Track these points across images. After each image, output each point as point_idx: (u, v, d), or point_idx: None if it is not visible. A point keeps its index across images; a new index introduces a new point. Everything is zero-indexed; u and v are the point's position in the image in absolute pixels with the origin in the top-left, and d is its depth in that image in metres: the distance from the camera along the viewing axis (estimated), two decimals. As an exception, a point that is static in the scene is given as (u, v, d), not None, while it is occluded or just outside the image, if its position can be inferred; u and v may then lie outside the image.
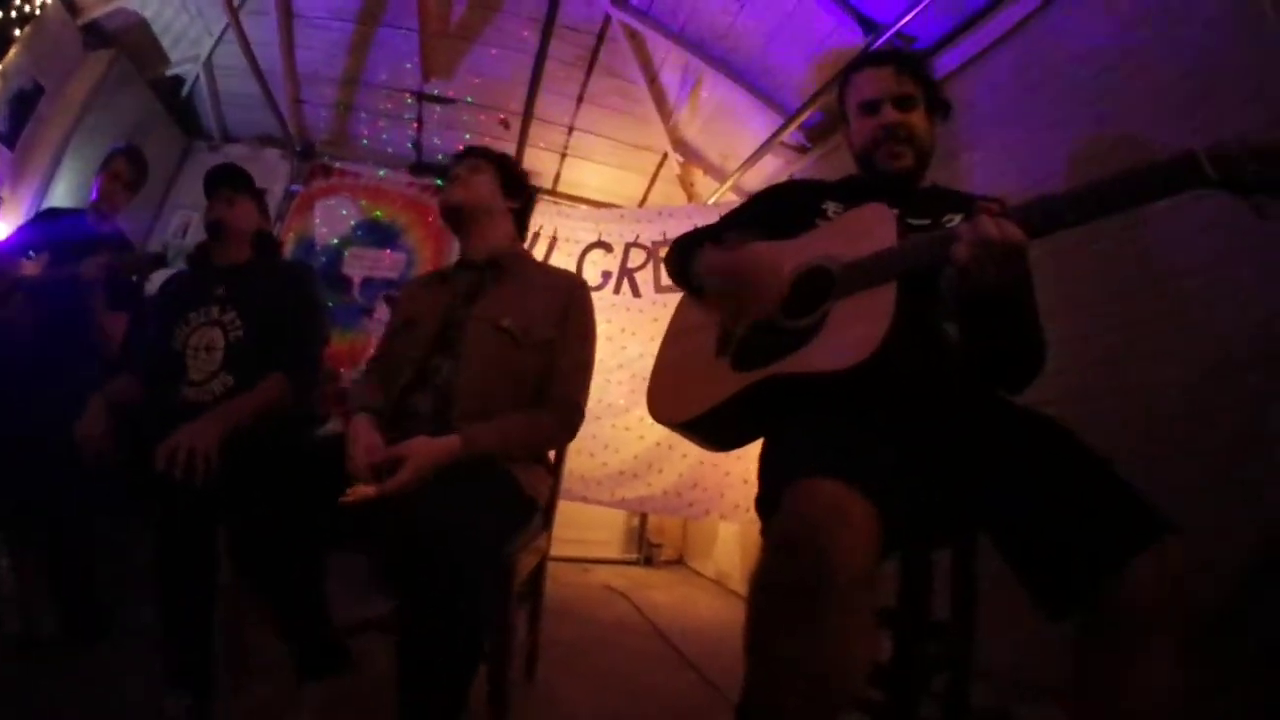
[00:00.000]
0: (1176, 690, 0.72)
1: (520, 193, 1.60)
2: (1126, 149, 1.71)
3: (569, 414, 1.40)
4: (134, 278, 2.07)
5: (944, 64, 2.46)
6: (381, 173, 4.44)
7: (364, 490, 1.10)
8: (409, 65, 3.79)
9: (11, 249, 2.14)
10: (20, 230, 2.33)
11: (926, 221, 1.16)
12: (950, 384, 1.06)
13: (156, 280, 1.96)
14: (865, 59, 1.31)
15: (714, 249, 1.23)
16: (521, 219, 1.63)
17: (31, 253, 2.07)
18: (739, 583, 3.29)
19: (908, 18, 2.44)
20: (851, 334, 0.99)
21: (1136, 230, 1.62)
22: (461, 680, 1.02)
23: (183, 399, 1.55)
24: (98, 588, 1.54)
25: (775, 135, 3.30)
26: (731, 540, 3.53)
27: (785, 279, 1.12)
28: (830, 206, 1.24)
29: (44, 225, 2.28)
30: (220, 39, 3.85)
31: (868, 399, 0.96)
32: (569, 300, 1.45)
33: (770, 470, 1.00)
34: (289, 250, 4.04)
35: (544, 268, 1.65)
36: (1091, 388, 1.63)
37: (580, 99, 3.93)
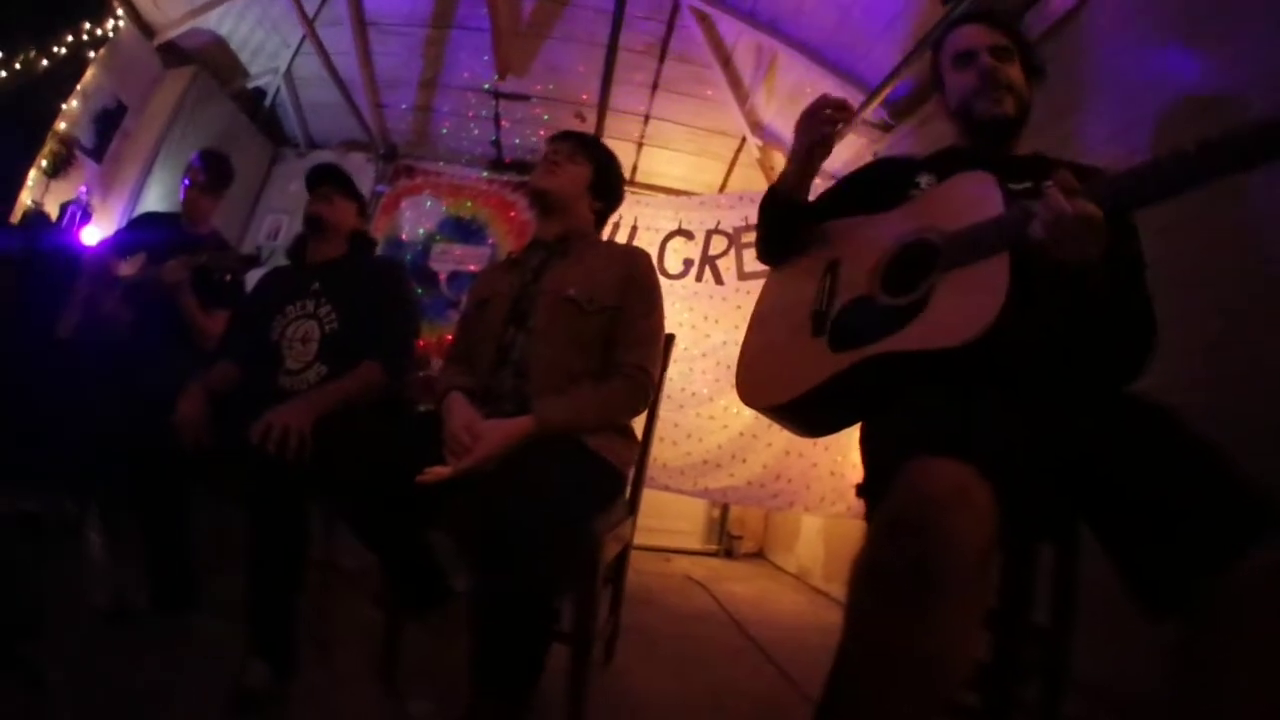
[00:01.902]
0: None
1: (608, 195, 1.59)
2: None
3: (640, 381, 1.38)
4: (228, 277, 2.18)
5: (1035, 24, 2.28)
6: (464, 168, 4.59)
7: (440, 471, 1.13)
8: (484, 64, 3.87)
9: (108, 251, 2.30)
10: (117, 234, 2.50)
11: (1027, 185, 1.09)
12: (1064, 364, 0.99)
13: (254, 279, 2.08)
14: (962, 18, 1.27)
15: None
16: (603, 218, 1.63)
17: (128, 254, 2.21)
18: (820, 579, 3.19)
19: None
20: (962, 309, 0.93)
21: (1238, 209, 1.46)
22: (528, 654, 1.04)
23: (279, 387, 1.63)
24: (189, 562, 1.63)
25: (857, 113, 3.15)
26: (815, 535, 3.43)
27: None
28: (924, 179, 1.19)
29: (139, 229, 2.43)
30: (298, 51, 4.06)
31: (980, 377, 0.90)
32: (630, 269, 1.44)
33: (879, 450, 0.96)
34: (379, 249, 4.26)
35: (610, 244, 1.65)
36: (1198, 374, 1.47)
37: (654, 87, 3.90)
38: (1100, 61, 2.02)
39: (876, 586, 0.74)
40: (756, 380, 1.24)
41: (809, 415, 1.17)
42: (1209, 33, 1.66)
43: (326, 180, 1.85)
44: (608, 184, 1.58)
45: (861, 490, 0.92)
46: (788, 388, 1.12)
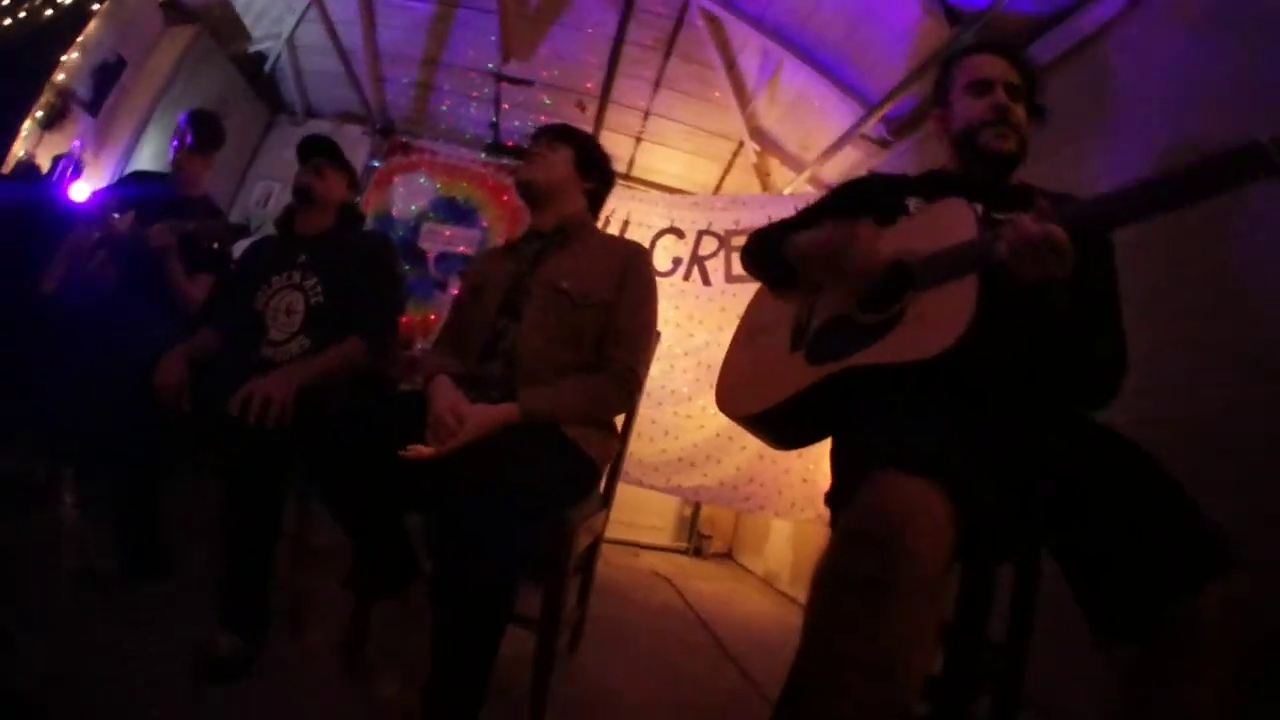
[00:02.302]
0: None
1: (596, 173, 1.59)
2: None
3: (626, 379, 1.40)
4: (215, 245, 2.15)
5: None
6: (461, 149, 4.55)
7: (422, 450, 1.14)
8: (489, 45, 3.85)
9: (97, 207, 2.25)
10: (107, 189, 2.45)
11: (1013, 215, 1.11)
12: (1029, 388, 1.02)
13: (240, 247, 2.05)
14: (982, 45, 1.28)
15: (809, 231, 1.20)
16: (596, 199, 1.63)
17: (116, 213, 2.17)
18: (787, 583, 3.24)
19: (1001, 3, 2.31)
20: (933, 325, 0.97)
21: (1211, 242, 1.51)
22: (488, 638, 1.05)
23: (261, 357, 1.63)
24: (158, 530, 1.62)
25: (857, 126, 3.19)
26: (783, 540, 3.47)
27: (879, 260, 1.10)
28: (913, 202, 1.21)
29: (130, 187, 2.39)
30: (302, 17, 4.00)
31: (948, 395, 0.93)
32: (627, 265, 1.45)
33: (845, 461, 0.98)
34: (367, 224, 4.21)
35: (607, 237, 1.66)
36: (1166, 410, 1.51)
37: (657, 83, 3.90)
38: (1114, 86, 2.05)
39: (835, 594, 0.77)
40: (734, 391, 1.27)
41: (782, 426, 1.19)
42: (1241, 50, 1.65)
43: (317, 151, 1.84)
44: (592, 161, 1.59)
45: (828, 499, 0.95)
46: (763, 399, 1.15)
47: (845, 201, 1.33)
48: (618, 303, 1.41)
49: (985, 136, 1.18)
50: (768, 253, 1.28)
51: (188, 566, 1.64)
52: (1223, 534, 0.77)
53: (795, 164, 3.90)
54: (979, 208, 1.13)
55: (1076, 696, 1.37)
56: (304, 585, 1.57)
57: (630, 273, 1.44)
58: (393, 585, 1.33)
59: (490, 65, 4.01)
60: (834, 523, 0.86)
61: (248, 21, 4.11)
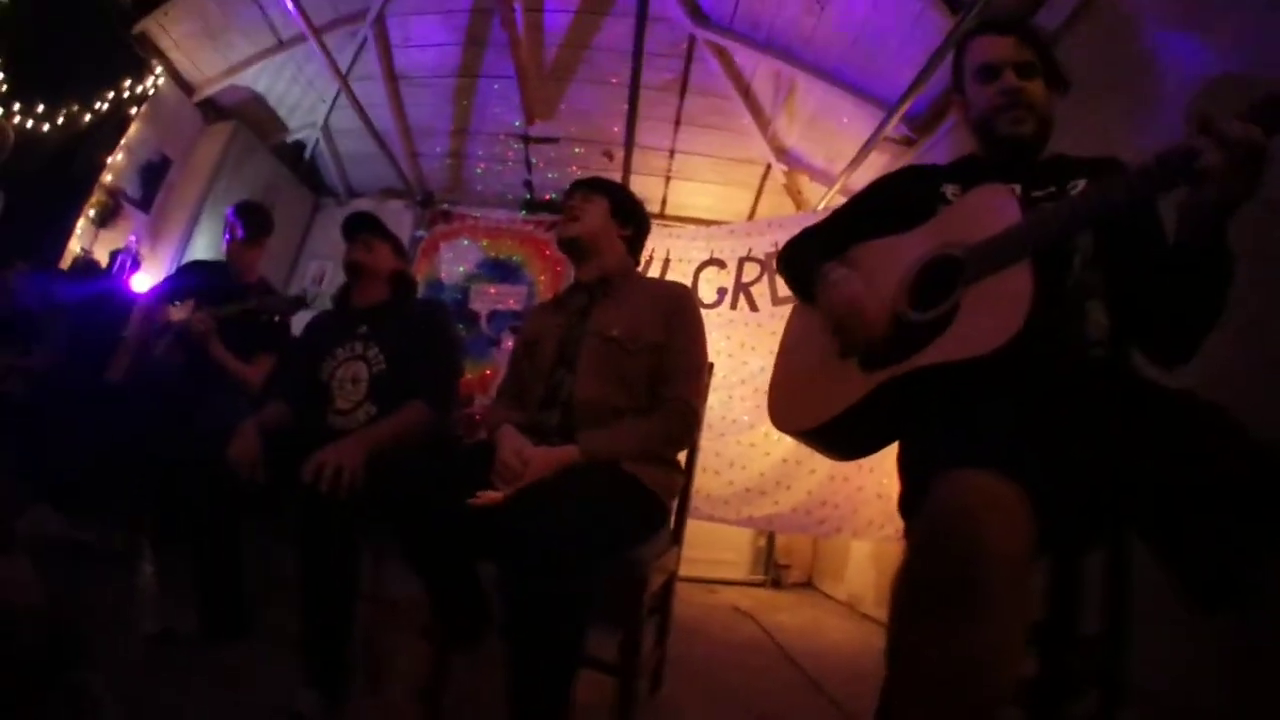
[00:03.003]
0: None
1: (632, 219, 1.63)
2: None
3: (685, 413, 1.42)
4: (276, 318, 2.26)
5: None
6: (499, 210, 4.73)
7: (491, 495, 1.17)
8: (512, 109, 4.02)
9: (158, 297, 2.40)
10: (166, 280, 2.61)
11: (1051, 190, 1.10)
12: (1093, 371, 0.98)
13: (298, 322, 2.16)
14: (985, 25, 1.25)
15: (824, 274, 1.19)
16: (635, 244, 1.67)
17: (177, 301, 2.31)
18: (872, 606, 3.10)
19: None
20: (989, 318, 0.93)
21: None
22: (559, 679, 1.05)
23: (329, 426, 1.70)
24: (241, 592, 1.68)
25: (879, 130, 3.17)
26: (865, 560, 3.34)
27: (887, 302, 1.09)
28: (949, 189, 1.19)
29: (187, 275, 2.55)
30: (334, 105, 4.27)
31: (1011, 387, 0.90)
32: (673, 305, 1.48)
33: (912, 466, 0.96)
34: (420, 291, 4.39)
35: (651, 281, 1.70)
36: (1234, 363, 1.40)
37: (677, 121, 3.99)
38: (1121, 47, 1.99)
39: (916, 600, 0.74)
40: (789, 406, 1.24)
41: (843, 438, 1.16)
42: (1228, 9, 1.62)
43: (360, 228, 1.94)
44: (627, 208, 1.62)
45: (900, 506, 0.92)
46: (820, 411, 1.12)
47: (881, 198, 1.32)
48: (668, 343, 1.44)
49: (1001, 124, 1.15)
50: (799, 272, 1.28)
51: (267, 625, 1.69)
52: None
53: (824, 178, 3.89)
54: (1016, 189, 1.10)
55: (1186, 683, 1.25)
56: (383, 640, 1.59)
57: (677, 313, 1.47)
58: (469, 634, 1.35)
59: (517, 126, 4.18)
60: (908, 531, 0.83)
61: (282, 114, 4.41)
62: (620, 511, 1.23)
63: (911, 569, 0.75)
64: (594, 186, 1.62)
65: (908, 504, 0.90)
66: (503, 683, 1.05)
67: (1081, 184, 1.07)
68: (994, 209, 1.03)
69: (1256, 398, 1.34)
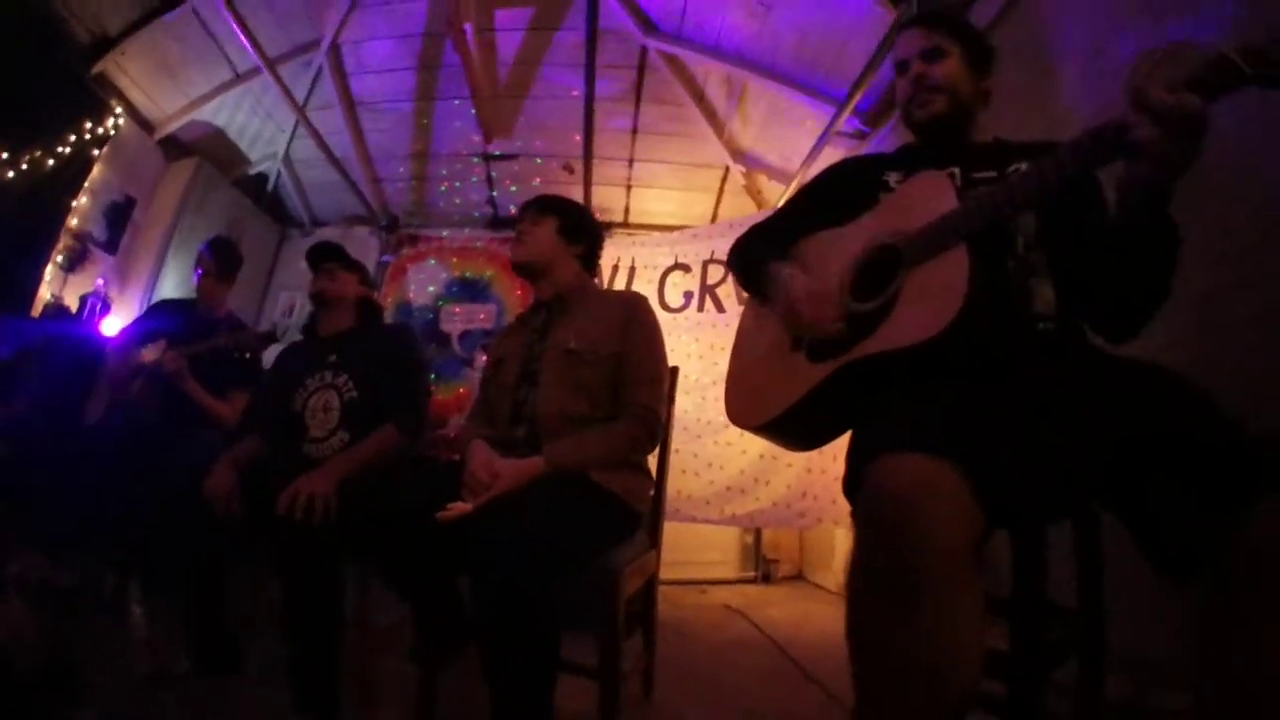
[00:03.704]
0: None
1: (581, 237, 1.65)
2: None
3: (646, 420, 1.44)
4: (248, 355, 2.26)
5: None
6: (464, 231, 4.73)
7: (460, 507, 1.19)
8: (471, 129, 4.03)
9: (129, 339, 2.39)
10: (135, 322, 2.59)
11: (992, 174, 1.12)
12: (1041, 345, 1.00)
13: (270, 356, 2.15)
14: (902, 24, 1.31)
15: (772, 270, 1.21)
16: (589, 260, 1.69)
17: (147, 342, 2.29)
18: (864, 592, 3.12)
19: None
20: (926, 305, 0.95)
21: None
22: (536, 687, 1.07)
23: (305, 455, 1.71)
24: (229, 626, 1.68)
25: (830, 125, 3.24)
26: (850, 549, 3.37)
27: (835, 296, 1.10)
28: (892, 177, 1.22)
29: (156, 315, 2.53)
30: (293, 135, 4.26)
31: (955, 370, 0.92)
32: (628, 314, 1.51)
33: (853, 452, 0.96)
34: (388, 315, 4.38)
35: (607, 293, 1.73)
36: (1188, 327, 1.45)
37: (635, 131, 4.04)
38: (1051, 36, 2.06)
39: (864, 590, 0.75)
40: (743, 402, 1.27)
41: (798, 429, 1.18)
42: None
43: (324, 258, 1.95)
44: (575, 225, 1.64)
45: (844, 490, 0.93)
46: (772, 405, 1.15)
47: (826, 189, 1.34)
48: (625, 351, 1.46)
49: (913, 111, 1.20)
50: (749, 269, 1.30)
51: (256, 658, 1.69)
52: (1270, 441, 0.71)
53: (782, 176, 3.96)
54: (955, 171, 1.13)
55: (1169, 647, 1.29)
56: (370, 665, 1.60)
57: (632, 321, 1.50)
58: (450, 648, 1.36)
59: (476, 148, 4.20)
60: (852, 516, 0.84)
61: (243, 146, 4.39)
62: (588, 518, 1.26)
63: (856, 559, 0.77)
64: (542, 207, 1.63)
65: (849, 487, 0.91)
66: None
67: (1023, 166, 1.08)
68: (930, 196, 1.05)
69: (1219, 367, 1.40)
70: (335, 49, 3.66)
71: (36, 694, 1.23)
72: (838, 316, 1.08)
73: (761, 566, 3.86)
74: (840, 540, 3.48)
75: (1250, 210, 1.41)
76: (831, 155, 3.51)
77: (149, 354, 2.24)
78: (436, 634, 1.38)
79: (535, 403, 1.43)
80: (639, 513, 1.47)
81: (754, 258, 1.28)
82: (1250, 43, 0.74)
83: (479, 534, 1.12)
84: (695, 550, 3.55)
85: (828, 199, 1.29)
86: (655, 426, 1.47)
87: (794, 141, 3.66)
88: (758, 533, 3.86)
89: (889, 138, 3.19)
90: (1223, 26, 1.51)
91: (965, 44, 1.21)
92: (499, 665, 1.06)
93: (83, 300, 3.35)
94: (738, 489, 3.21)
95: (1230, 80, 0.75)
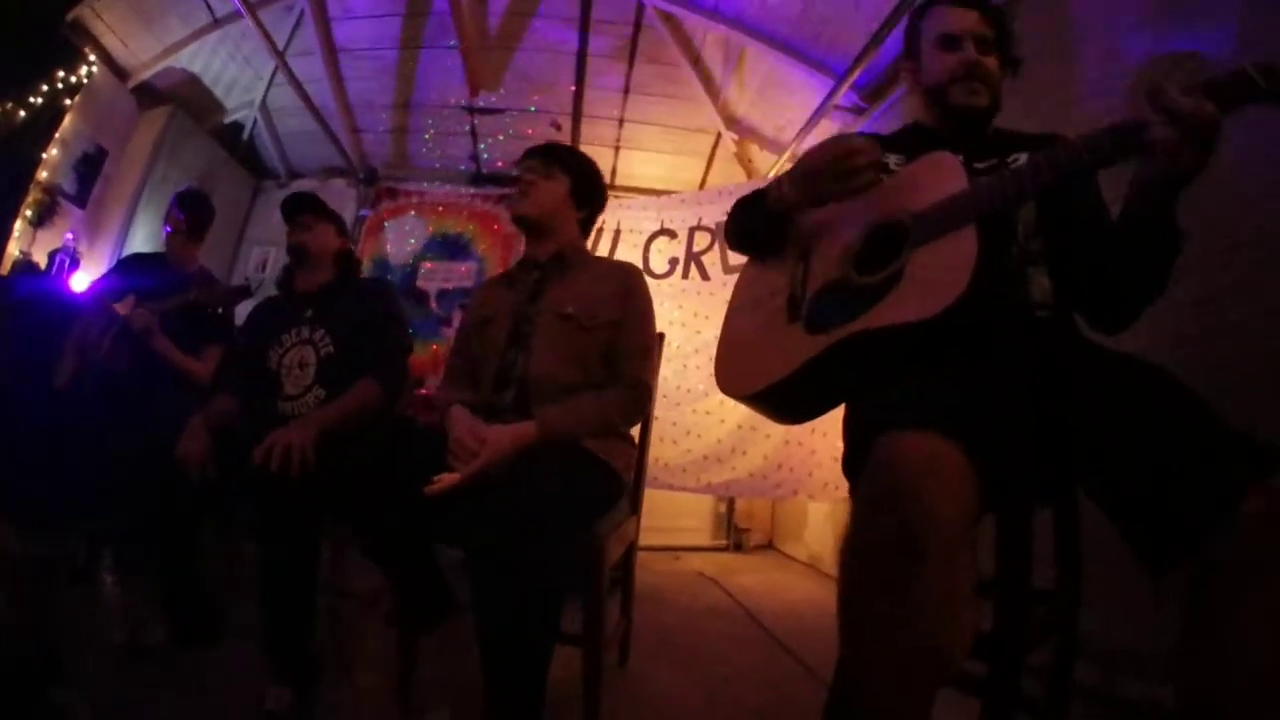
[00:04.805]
0: None
1: (589, 202, 1.60)
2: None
3: (637, 391, 1.43)
4: (220, 310, 2.19)
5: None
6: (446, 186, 4.60)
7: (449, 478, 1.16)
8: (457, 81, 3.90)
9: (97, 296, 2.30)
10: (104, 277, 2.49)
11: (992, 162, 1.12)
12: (1038, 332, 1.01)
13: (243, 311, 2.08)
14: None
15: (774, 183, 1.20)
16: (588, 225, 1.65)
17: (116, 300, 2.21)
18: (831, 565, 3.20)
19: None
20: (934, 281, 0.94)
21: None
22: (535, 658, 1.05)
23: (279, 413, 1.66)
24: (205, 596, 1.65)
25: (828, 99, 3.19)
26: (822, 521, 3.44)
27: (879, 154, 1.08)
28: (891, 159, 1.19)
29: (126, 272, 2.43)
30: (271, 82, 4.10)
31: (955, 350, 0.91)
32: (627, 285, 1.49)
33: (855, 428, 0.97)
34: (366, 271, 4.26)
35: (603, 260, 1.69)
36: (1185, 328, 1.48)
37: (626, 90, 3.94)
38: (1074, 20, 2.04)
39: (860, 564, 0.75)
40: (735, 370, 1.24)
41: (789, 401, 1.16)
42: None
43: (300, 208, 1.87)
44: (589, 190, 1.59)
45: (844, 468, 0.93)
46: (766, 374, 1.13)
47: None
48: (623, 320, 1.44)
49: (956, 93, 1.16)
50: (750, 212, 1.27)
51: (234, 625, 1.67)
52: (1253, 440, 0.73)
53: (775, 146, 3.90)
54: (959, 158, 1.12)
55: (1137, 637, 1.34)
56: (348, 629, 1.58)
57: (629, 292, 1.48)
58: (432, 619, 1.35)
59: (461, 100, 4.05)
60: (851, 492, 0.85)
61: (219, 94, 4.20)
62: (582, 487, 1.24)
63: (857, 532, 0.76)
64: (556, 160, 1.55)
65: (851, 465, 0.91)
66: (474, 665, 1.06)
67: (1023, 158, 1.08)
68: (941, 176, 1.03)
69: (1212, 362, 1.43)
70: (318, -9, 3.48)
71: (14, 673, 1.20)
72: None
73: (734, 535, 3.93)
74: (813, 512, 3.54)
75: (1248, 208, 1.42)
76: (827, 129, 3.47)
77: (120, 310, 2.16)
78: (415, 603, 1.37)
79: (526, 366, 1.39)
80: (625, 481, 1.46)
81: (750, 209, 1.26)
82: (1269, 60, 0.75)
83: (478, 505, 1.09)
84: (670, 517, 3.59)
85: None
86: (645, 399, 1.47)
87: (789, 112, 3.60)
88: (731, 502, 3.92)
89: (886, 114, 3.15)
90: (1228, 36, 1.51)
91: (1003, 44, 1.20)
92: (500, 638, 1.04)
93: (51, 256, 3.22)
94: (715, 458, 3.23)
95: (1245, 93, 0.77)
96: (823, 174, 1.10)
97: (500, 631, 1.04)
